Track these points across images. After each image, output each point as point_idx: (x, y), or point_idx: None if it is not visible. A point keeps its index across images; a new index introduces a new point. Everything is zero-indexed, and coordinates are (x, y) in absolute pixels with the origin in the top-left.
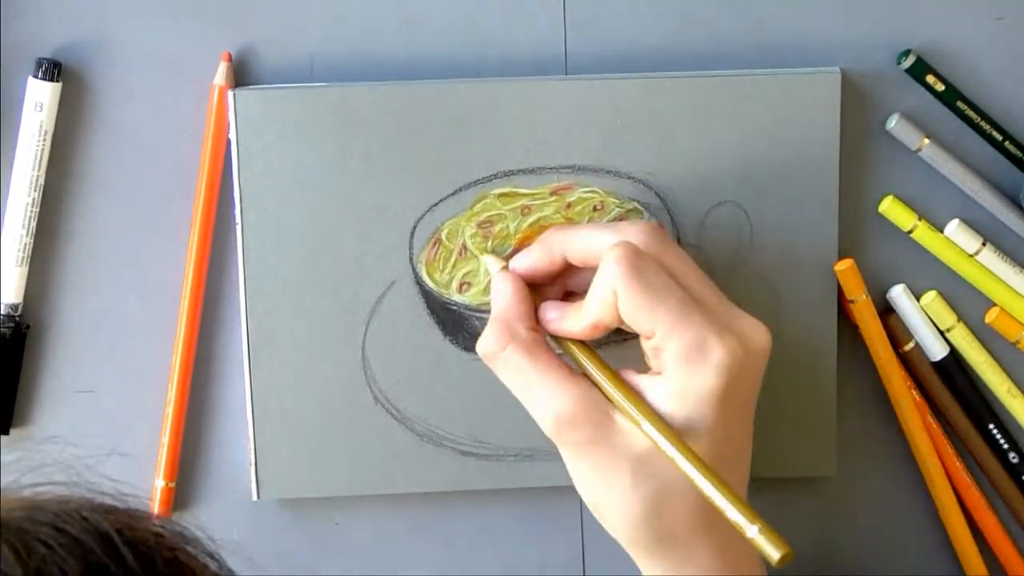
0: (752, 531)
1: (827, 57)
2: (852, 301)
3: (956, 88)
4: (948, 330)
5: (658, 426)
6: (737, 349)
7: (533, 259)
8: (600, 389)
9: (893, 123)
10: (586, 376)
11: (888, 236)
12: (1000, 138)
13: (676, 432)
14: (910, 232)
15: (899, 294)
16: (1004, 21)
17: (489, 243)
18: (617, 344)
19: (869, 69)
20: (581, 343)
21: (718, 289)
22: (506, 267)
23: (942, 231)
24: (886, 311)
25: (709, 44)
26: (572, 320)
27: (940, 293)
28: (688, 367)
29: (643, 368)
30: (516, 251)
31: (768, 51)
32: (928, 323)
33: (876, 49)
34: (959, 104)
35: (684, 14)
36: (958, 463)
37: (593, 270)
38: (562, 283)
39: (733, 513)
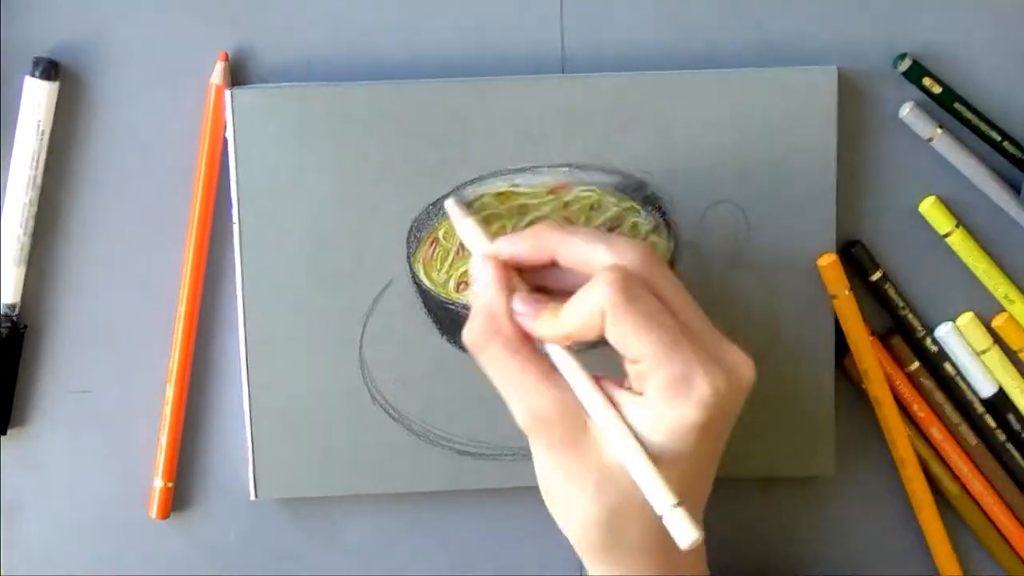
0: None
1: (824, 55)
2: (834, 296)
3: (953, 89)
4: (983, 352)
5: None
6: (722, 385)
7: (521, 249)
8: (577, 395)
9: (906, 111)
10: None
11: (885, 233)
12: (999, 138)
13: (645, 452)
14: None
15: (947, 332)
16: (1001, 22)
17: None
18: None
19: (866, 67)
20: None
21: (706, 317)
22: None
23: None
24: (889, 332)
25: (706, 42)
26: (546, 323)
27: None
28: (671, 399)
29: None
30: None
31: (765, 49)
32: (978, 362)
33: (873, 47)
34: (956, 106)
35: (681, 12)
36: (967, 468)
37: (575, 274)
38: (538, 274)
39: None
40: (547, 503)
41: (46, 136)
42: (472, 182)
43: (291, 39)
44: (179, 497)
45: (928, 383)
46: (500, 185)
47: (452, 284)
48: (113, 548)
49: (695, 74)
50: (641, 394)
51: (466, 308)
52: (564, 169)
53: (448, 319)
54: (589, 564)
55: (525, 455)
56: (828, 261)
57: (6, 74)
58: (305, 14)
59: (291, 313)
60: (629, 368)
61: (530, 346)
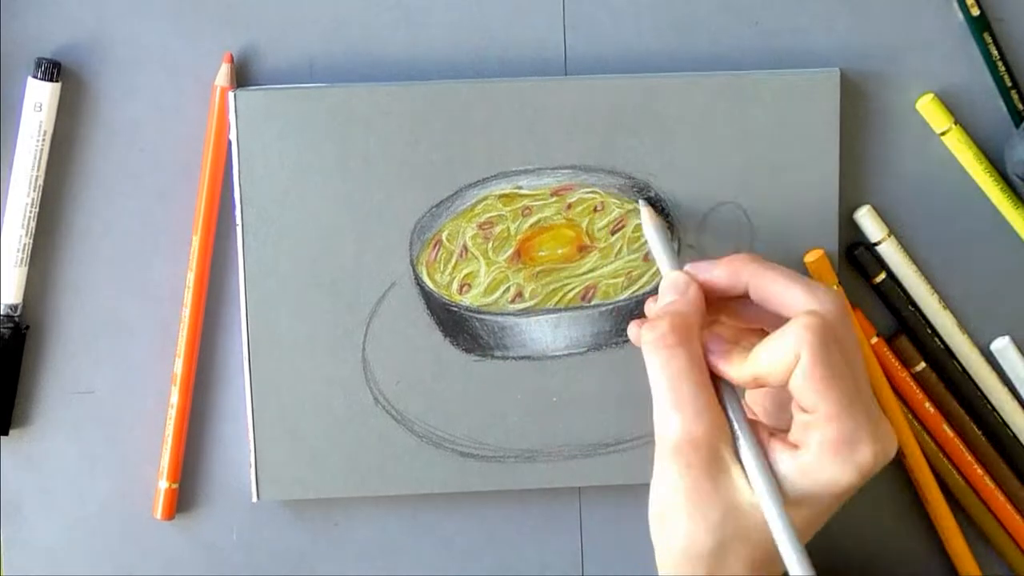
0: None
1: (826, 58)
2: None
3: (988, 18)
4: None
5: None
6: (880, 454)
7: (716, 276)
8: (733, 431)
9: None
10: (723, 410)
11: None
12: (1009, 84)
13: (782, 497)
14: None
15: (1005, 346)
16: (1003, 22)
17: (489, 245)
18: (618, 346)
19: (869, 69)
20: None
21: (869, 381)
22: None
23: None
24: (895, 334)
25: (709, 45)
26: (736, 364)
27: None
28: (834, 456)
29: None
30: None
31: (767, 52)
32: None
33: (875, 50)
34: (985, 36)
35: (684, 15)
36: (979, 470)
37: (759, 309)
38: (721, 305)
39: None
40: (653, 523)
41: (48, 137)
42: (474, 184)
43: (295, 41)
44: (182, 498)
45: (936, 383)
46: (503, 187)
47: (455, 286)
48: (116, 549)
49: (698, 76)
50: (797, 447)
51: (468, 310)
52: (567, 171)
53: (451, 321)
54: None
55: (528, 457)
56: (815, 257)
57: (8, 75)
58: (308, 16)
59: (294, 314)
60: (797, 418)
61: (704, 368)
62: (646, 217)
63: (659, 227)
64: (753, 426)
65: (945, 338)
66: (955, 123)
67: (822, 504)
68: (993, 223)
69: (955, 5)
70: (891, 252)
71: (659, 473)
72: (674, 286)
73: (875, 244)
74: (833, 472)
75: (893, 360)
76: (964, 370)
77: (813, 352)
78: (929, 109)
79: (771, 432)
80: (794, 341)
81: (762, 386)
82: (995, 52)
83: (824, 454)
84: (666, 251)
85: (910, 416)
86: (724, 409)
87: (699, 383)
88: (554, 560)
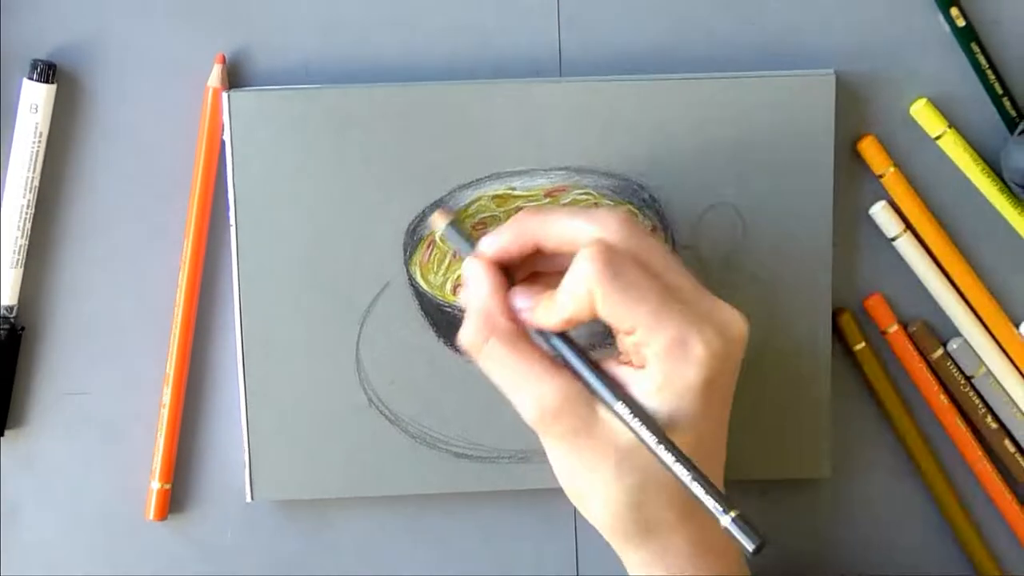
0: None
1: (821, 59)
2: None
3: (975, 29)
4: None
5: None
6: (716, 342)
7: (503, 243)
8: (582, 380)
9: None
10: (568, 366)
11: (881, 238)
12: (1000, 92)
13: (659, 425)
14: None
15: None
16: (998, 24)
17: None
18: (611, 346)
19: (864, 71)
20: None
21: (692, 277)
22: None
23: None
24: (912, 318)
25: (703, 46)
26: (544, 312)
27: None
28: (670, 363)
29: (623, 358)
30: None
31: (762, 53)
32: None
33: (871, 51)
34: (973, 46)
35: (678, 16)
36: (989, 466)
37: (565, 255)
38: (531, 263)
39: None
40: (570, 496)
41: (44, 138)
42: (468, 185)
43: (289, 42)
44: (176, 499)
45: (953, 371)
46: (497, 188)
47: (449, 287)
48: (110, 549)
49: (692, 78)
50: (642, 366)
51: (462, 311)
52: (561, 172)
53: (445, 321)
54: (624, 552)
55: (522, 458)
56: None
57: (4, 76)
58: (302, 17)
59: (288, 315)
60: (626, 341)
61: (528, 341)
62: (436, 222)
63: (444, 223)
64: (601, 364)
65: (963, 332)
66: (949, 127)
67: (697, 416)
68: (991, 224)
69: (940, 18)
70: (906, 247)
71: (549, 454)
72: (466, 277)
73: (892, 239)
74: (678, 376)
75: (911, 347)
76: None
77: (603, 280)
78: (923, 114)
79: (619, 362)
80: (583, 277)
81: (579, 324)
82: (983, 61)
83: (661, 363)
84: (459, 242)
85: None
86: (567, 364)
87: (526, 356)
88: (549, 560)
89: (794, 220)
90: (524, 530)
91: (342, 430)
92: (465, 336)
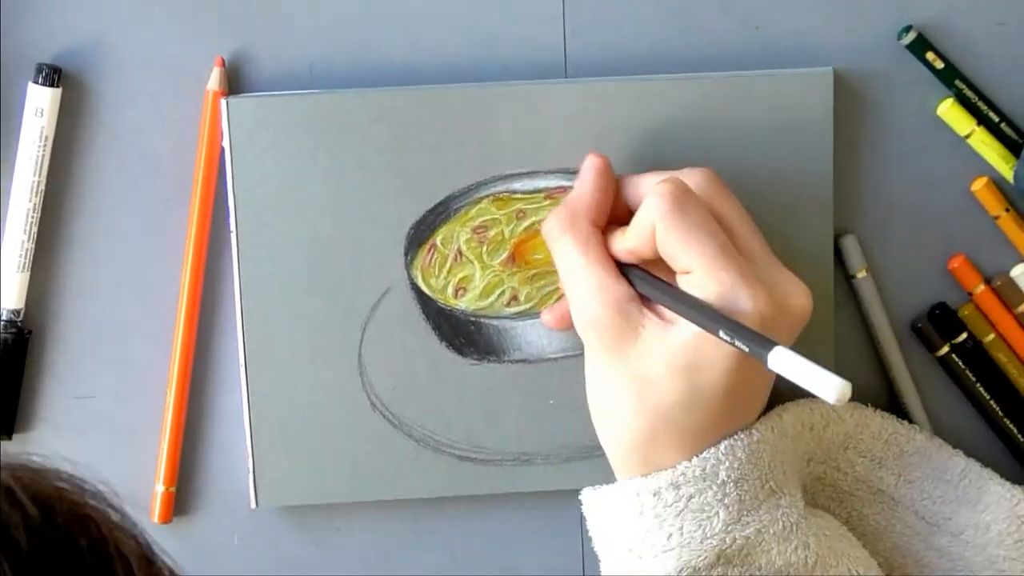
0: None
1: (820, 57)
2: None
3: (955, 66)
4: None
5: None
6: (767, 308)
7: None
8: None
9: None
10: (631, 285)
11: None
12: (997, 120)
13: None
14: None
15: None
16: (1005, 25)
17: (484, 248)
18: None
19: (863, 69)
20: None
21: (767, 246)
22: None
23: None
24: (994, 275)
25: (704, 46)
26: (615, 242)
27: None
28: (720, 308)
29: None
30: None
31: (762, 52)
32: None
33: (870, 49)
34: (957, 83)
35: (681, 17)
36: None
37: None
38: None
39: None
40: (591, 411)
41: (49, 142)
42: (470, 188)
43: (290, 46)
44: (180, 503)
45: None
46: (498, 190)
47: (450, 290)
48: None
49: (692, 77)
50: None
51: (464, 314)
52: (561, 174)
53: (447, 325)
54: (618, 470)
55: (525, 460)
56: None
57: (9, 80)
58: (304, 21)
59: (290, 320)
60: (682, 284)
61: (599, 248)
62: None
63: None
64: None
65: None
66: (978, 124)
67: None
68: (993, 235)
69: (920, 64)
70: None
71: (586, 360)
72: (581, 170)
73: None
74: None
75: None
76: None
77: (666, 215)
78: (951, 114)
79: None
80: (647, 211)
81: (643, 258)
82: (972, 95)
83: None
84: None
85: None
86: (629, 282)
87: (591, 262)
88: (555, 563)
89: (794, 217)
90: (529, 533)
91: (345, 435)
92: (546, 223)
